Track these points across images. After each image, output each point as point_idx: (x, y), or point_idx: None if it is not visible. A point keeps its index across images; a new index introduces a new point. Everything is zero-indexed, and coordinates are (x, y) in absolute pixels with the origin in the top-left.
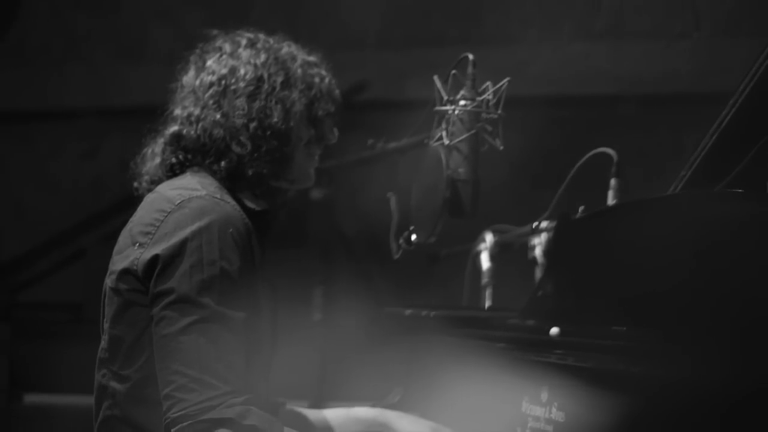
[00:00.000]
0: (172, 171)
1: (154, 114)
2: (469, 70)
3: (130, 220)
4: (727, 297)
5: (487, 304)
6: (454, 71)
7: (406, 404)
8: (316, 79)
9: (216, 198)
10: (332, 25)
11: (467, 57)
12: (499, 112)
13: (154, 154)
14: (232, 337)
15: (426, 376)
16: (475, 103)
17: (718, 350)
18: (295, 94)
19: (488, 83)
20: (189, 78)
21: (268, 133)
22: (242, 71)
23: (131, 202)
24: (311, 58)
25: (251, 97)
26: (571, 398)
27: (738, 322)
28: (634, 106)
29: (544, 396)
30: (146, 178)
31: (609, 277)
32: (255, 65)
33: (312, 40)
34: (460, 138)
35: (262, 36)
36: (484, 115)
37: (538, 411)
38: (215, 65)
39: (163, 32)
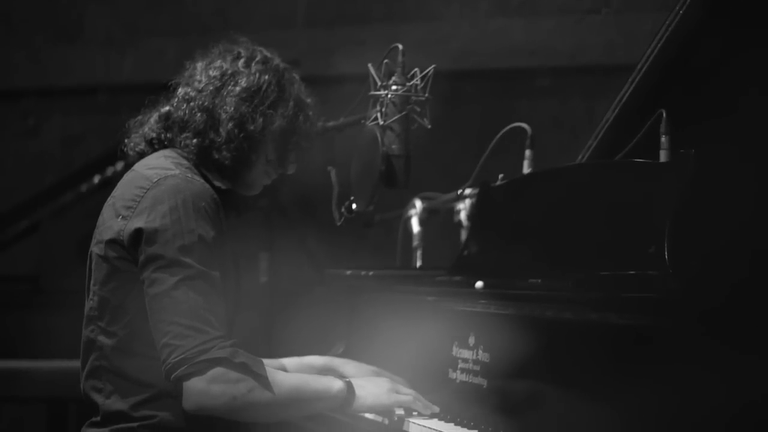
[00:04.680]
0: (151, 145)
1: (94, 93)
2: (399, 58)
3: (111, 195)
4: (624, 250)
5: (418, 263)
6: (386, 60)
7: (349, 355)
8: (301, 118)
9: (188, 177)
10: (262, 6)
11: (398, 47)
12: (427, 95)
13: (145, 122)
14: (214, 291)
15: (366, 329)
16: (405, 88)
17: (619, 296)
18: (278, 118)
19: (416, 69)
20: (202, 65)
21: (242, 135)
22: (245, 78)
23: (78, 178)
24: (308, 100)
25: (242, 101)
26: (495, 341)
27: (634, 270)
28: (549, 77)
29: (472, 341)
30: (134, 140)
31: (525, 236)
32: (258, 79)
33: (244, 21)
34: (393, 119)
35: (277, 59)
36: (413, 98)
37: (467, 354)
38: (227, 64)
39: (100, 13)
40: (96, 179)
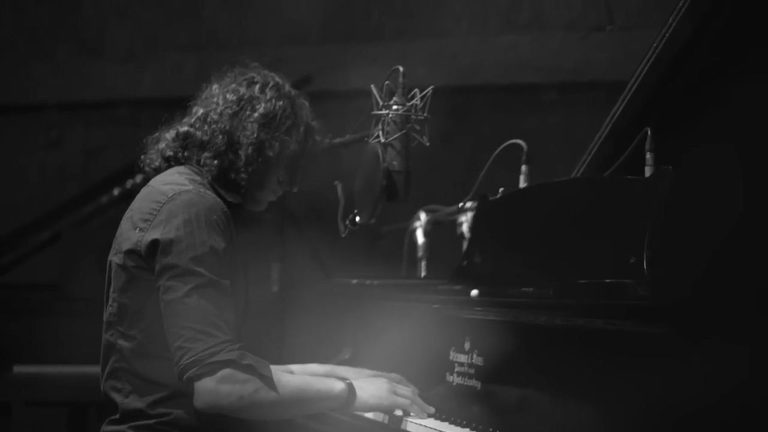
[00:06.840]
0: (167, 161)
1: (115, 106)
2: (400, 79)
3: (129, 208)
4: (608, 260)
5: (423, 273)
6: (387, 82)
7: (355, 360)
8: (310, 141)
9: (201, 192)
10: (278, 22)
11: (398, 69)
12: (426, 114)
13: (162, 139)
14: (224, 298)
15: (371, 335)
16: (405, 108)
17: (600, 303)
18: (292, 143)
19: (416, 90)
20: (218, 87)
21: (260, 159)
22: (262, 105)
23: (98, 190)
24: (314, 124)
25: (261, 127)
26: (488, 346)
27: (616, 279)
28: (555, 93)
29: (467, 345)
30: (150, 156)
31: (519, 247)
32: (274, 105)
33: (260, 37)
34: (394, 137)
35: (288, 85)
36: (413, 117)
37: (462, 358)
38: (243, 89)
39: (120, 28)
40: (116, 191)
